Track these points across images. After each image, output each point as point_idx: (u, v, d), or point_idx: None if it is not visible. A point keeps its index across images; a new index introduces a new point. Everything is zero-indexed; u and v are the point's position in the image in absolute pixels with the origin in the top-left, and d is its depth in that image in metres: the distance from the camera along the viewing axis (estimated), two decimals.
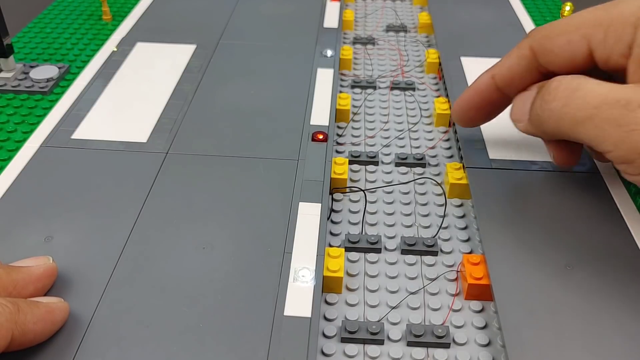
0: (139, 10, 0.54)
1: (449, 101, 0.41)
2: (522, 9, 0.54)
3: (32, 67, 0.45)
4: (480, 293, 0.29)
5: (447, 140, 0.40)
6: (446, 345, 0.27)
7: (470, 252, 0.31)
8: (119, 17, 0.54)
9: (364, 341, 0.27)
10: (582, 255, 0.29)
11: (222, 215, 0.32)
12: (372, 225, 0.33)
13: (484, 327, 0.28)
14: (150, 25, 0.51)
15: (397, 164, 0.37)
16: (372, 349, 0.26)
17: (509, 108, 0.33)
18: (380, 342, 0.27)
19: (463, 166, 0.35)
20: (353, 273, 0.30)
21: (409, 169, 0.37)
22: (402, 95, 0.44)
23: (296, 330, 0.25)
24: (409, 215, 0.34)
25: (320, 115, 0.39)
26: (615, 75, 0.29)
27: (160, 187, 0.33)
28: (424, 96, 0.44)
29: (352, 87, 0.45)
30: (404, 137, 0.40)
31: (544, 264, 0.29)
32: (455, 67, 0.45)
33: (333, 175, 0.35)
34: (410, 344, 0.27)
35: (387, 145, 0.39)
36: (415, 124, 0.41)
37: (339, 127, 0.41)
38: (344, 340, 0.27)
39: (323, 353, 0.26)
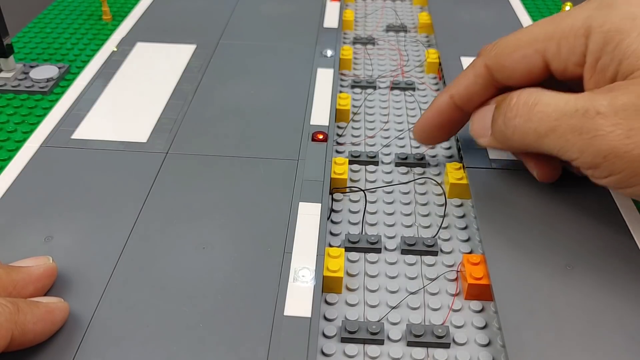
0: (139, 10, 0.54)
1: None
2: (522, 9, 0.54)
3: (32, 67, 0.45)
4: (480, 293, 0.29)
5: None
6: (446, 345, 0.27)
7: (470, 252, 0.31)
8: (119, 17, 0.54)
9: (364, 341, 0.27)
10: (582, 255, 0.29)
11: (222, 215, 0.32)
12: (372, 225, 0.33)
13: (484, 327, 0.28)
14: (150, 25, 0.51)
15: (397, 164, 0.37)
16: (372, 349, 0.26)
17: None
18: (380, 342, 0.27)
19: (463, 166, 0.35)
20: (353, 273, 0.30)
21: (409, 169, 0.37)
22: (402, 95, 0.44)
23: (296, 330, 0.25)
24: (409, 215, 0.34)
25: (320, 115, 0.39)
26: (573, 83, 0.30)
27: (160, 187, 0.33)
28: (424, 96, 0.44)
29: (352, 87, 0.45)
30: (404, 137, 0.40)
31: (544, 264, 0.29)
32: (455, 67, 0.45)
33: (333, 175, 0.35)
34: (410, 344, 0.27)
35: (387, 145, 0.39)
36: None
37: (339, 127, 0.41)
38: (344, 340, 0.27)
39: (323, 353, 0.26)
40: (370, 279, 0.30)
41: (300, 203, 0.32)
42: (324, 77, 0.43)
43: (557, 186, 0.33)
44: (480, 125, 0.32)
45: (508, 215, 0.31)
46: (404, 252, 0.31)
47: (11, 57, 0.44)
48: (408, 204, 0.34)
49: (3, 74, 0.44)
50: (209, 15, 0.53)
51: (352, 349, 0.26)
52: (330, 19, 0.52)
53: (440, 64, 0.46)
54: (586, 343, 0.25)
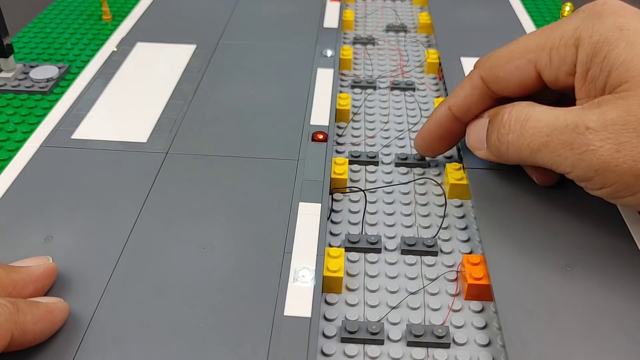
0: (139, 10, 0.54)
1: None
2: (522, 9, 0.54)
3: (32, 67, 0.45)
4: (480, 293, 0.29)
5: None
6: (446, 346, 0.27)
7: (470, 253, 0.31)
8: (119, 17, 0.54)
9: (364, 341, 0.27)
10: (582, 255, 0.29)
11: (222, 215, 0.32)
12: (372, 225, 0.33)
13: (484, 327, 0.28)
14: (150, 25, 0.51)
15: (397, 164, 0.37)
16: (372, 349, 0.26)
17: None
18: (380, 342, 0.27)
19: (463, 166, 0.35)
20: (353, 273, 0.30)
21: (409, 169, 0.37)
22: (402, 95, 0.44)
23: (296, 330, 0.25)
24: (409, 215, 0.34)
25: (320, 115, 0.39)
26: (566, 93, 0.31)
27: (160, 187, 0.33)
28: (424, 96, 0.44)
29: (352, 87, 0.45)
30: (404, 137, 0.40)
31: (544, 264, 0.29)
32: (455, 67, 0.45)
33: (333, 175, 0.35)
34: (410, 344, 0.27)
35: (387, 146, 0.39)
36: (415, 124, 0.41)
37: (339, 127, 0.41)
38: (344, 340, 0.27)
39: (323, 353, 0.26)
40: (370, 279, 0.30)
41: (300, 203, 0.32)
42: (324, 77, 0.43)
43: (557, 187, 0.33)
44: (475, 138, 0.33)
45: (508, 216, 0.31)
46: (404, 252, 0.31)
47: (11, 57, 0.44)
48: (408, 204, 0.34)
49: (3, 74, 0.44)
50: (209, 15, 0.53)
51: (352, 349, 0.26)
52: (330, 19, 0.52)
53: (440, 64, 0.46)
54: (586, 343, 0.25)
